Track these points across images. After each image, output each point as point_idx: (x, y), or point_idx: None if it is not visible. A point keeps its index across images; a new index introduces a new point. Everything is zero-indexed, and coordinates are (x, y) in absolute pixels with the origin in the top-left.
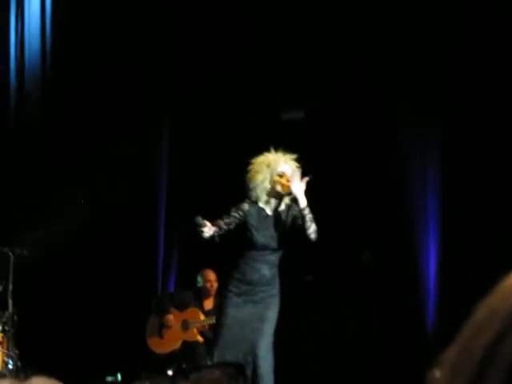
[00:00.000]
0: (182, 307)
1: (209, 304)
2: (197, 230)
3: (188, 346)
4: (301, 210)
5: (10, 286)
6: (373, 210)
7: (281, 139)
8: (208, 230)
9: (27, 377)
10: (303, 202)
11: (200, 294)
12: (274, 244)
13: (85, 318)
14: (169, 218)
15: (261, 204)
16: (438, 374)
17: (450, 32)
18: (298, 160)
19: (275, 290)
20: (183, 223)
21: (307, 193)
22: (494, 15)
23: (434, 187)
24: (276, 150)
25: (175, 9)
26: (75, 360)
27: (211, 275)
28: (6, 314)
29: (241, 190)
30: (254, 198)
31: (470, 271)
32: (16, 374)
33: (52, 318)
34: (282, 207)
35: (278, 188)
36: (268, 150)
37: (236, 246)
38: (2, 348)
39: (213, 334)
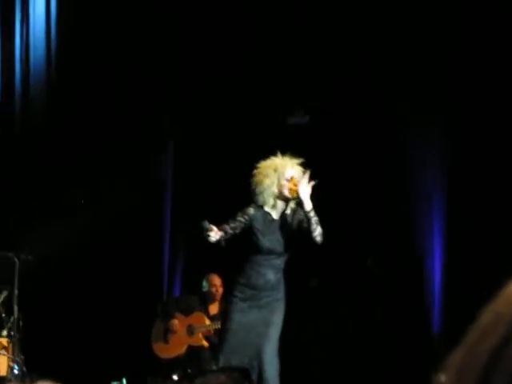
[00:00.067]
0: (187, 312)
1: (214, 309)
2: (203, 234)
3: (193, 351)
4: (306, 213)
5: (16, 292)
6: (376, 214)
7: (284, 143)
8: (214, 234)
9: (33, 382)
10: (309, 205)
11: (205, 299)
12: (279, 248)
13: (90, 323)
14: (174, 223)
15: (267, 208)
16: (443, 377)
17: (451, 32)
18: (304, 164)
19: (280, 294)
20: (188, 225)
21: (312, 196)
22: (494, 15)
23: (437, 188)
24: (282, 154)
25: (178, 14)
26: (80, 365)
27: (216, 280)
28: (12, 319)
29: (246, 194)
30: (260, 203)
31: (476, 274)
32: (21, 379)
33: (57, 323)
34: (288, 211)
35: (286, 192)
36: (273, 154)
37: (241, 250)
38: (8, 353)
39: (218, 339)
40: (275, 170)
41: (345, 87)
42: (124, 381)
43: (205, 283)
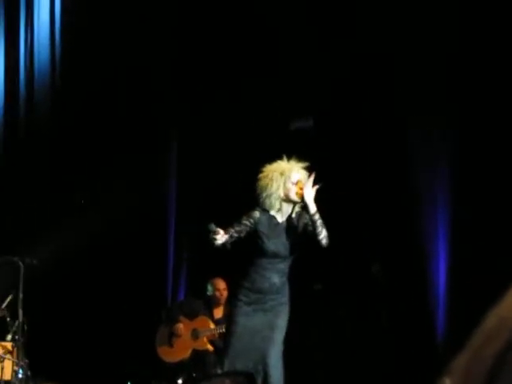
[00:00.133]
0: (191, 316)
1: (219, 313)
2: (209, 236)
3: (198, 355)
4: (311, 216)
5: (21, 296)
6: (381, 217)
7: (288, 147)
8: (220, 237)
9: None
10: (313, 208)
11: (210, 303)
12: (284, 252)
13: (95, 328)
14: (178, 226)
15: (272, 212)
16: (448, 381)
17: (462, 34)
18: (309, 167)
19: (285, 298)
20: (192, 228)
21: (316, 200)
22: (494, 15)
23: (442, 191)
24: (287, 158)
25: (185, 22)
26: (85, 369)
27: (221, 284)
28: (17, 323)
29: (250, 197)
30: (266, 207)
31: (480, 278)
32: (26, 383)
33: (62, 328)
34: (293, 215)
35: (292, 196)
36: (278, 158)
37: (246, 254)
38: (12, 357)
39: (223, 343)
40: (282, 174)
41: (348, 91)
42: None
43: (209, 287)
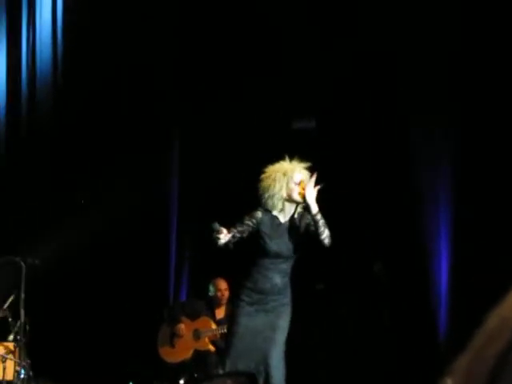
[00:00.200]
0: (193, 316)
1: (220, 313)
2: (213, 236)
3: (199, 356)
4: (313, 216)
5: (22, 296)
6: (382, 216)
7: (290, 147)
8: (224, 236)
9: None
10: (315, 208)
11: (211, 303)
12: (286, 252)
13: (96, 328)
14: (180, 226)
15: (275, 212)
16: (449, 382)
17: (464, 33)
18: (311, 168)
19: (287, 299)
20: (194, 228)
21: (318, 200)
22: (495, 14)
23: (444, 190)
24: (290, 158)
25: (187, 21)
26: (87, 369)
27: (222, 284)
28: (18, 323)
29: (252, 196)
30: (269, 207)
31: (482, 278)
32: (28, 383)
33: (64, 328)
34: (295, 215)
35: (295, 196)
36: (279, 158)
37: (248, 254)
38: (14, 357)
39: (224, 343)
40: (284, 174)
41: (350, 90)
42: None
43: (211, 287)
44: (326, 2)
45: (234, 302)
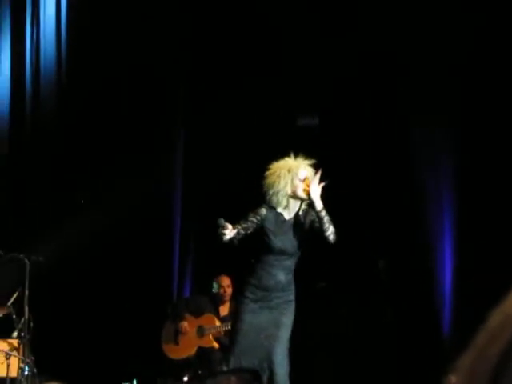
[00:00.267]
0: (197, 313)
1: (224, 310)
2: (218, 231)
3: (203, 352)
4: (318, 213)
5: (26, 293)
6: (386, 215)
7: (294, 144)
8: (229, 232)
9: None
10: (319, 204)
11: (215, 300)
12: (290, 249)
13: (100, 325)
14: (184, 223)
15: (279, 209)
16: (453, 379)
17: (464, 33)
18: (315, 165)
19: (291, 296)
20: (198, 226)
21: (322, 197)
22: (497, 16)
23: (448, 189)
24: (295, 155)
25: (190, 20)
26: (91, 366)
27: (225, 280)
28: (22, 320)
29: (256, 194)
30: (274, 204)
31: (486, 276)
32: (32, 380)
33: (68, 325)
34: (300, 212)
35: (299, 192)
36: (284, 155)
37: (252, 250)
38: (18, 354)
39: (228, 340)
40: (289, 171)
41: (351, 89)
42: (134, 382)
43: (215, 284)
44: (327, 2)
45: (238, 299)
